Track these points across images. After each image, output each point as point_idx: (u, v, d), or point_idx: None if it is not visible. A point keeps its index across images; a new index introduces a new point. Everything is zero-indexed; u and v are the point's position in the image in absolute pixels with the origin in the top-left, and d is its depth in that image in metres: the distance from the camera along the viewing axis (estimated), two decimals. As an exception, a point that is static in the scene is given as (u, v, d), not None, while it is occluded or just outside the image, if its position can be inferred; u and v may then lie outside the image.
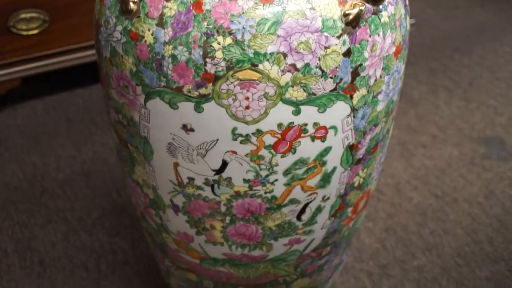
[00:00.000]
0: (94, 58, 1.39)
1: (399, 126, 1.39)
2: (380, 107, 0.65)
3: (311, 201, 0.68)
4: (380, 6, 0.60)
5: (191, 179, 0.65)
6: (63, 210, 1.20)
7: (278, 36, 0.56)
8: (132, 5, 0.59)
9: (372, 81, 0.61)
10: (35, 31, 1.31)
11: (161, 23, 0.57)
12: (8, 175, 1.28)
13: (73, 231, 1.15)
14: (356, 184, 0.70)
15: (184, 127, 0.61)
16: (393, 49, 0.63)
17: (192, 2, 0.56)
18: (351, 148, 0.65)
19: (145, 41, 0.58)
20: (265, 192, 0.65)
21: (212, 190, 0.65)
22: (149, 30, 0.58)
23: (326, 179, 0.66)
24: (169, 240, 0.75)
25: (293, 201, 0.67)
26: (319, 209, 0.69)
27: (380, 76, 0.62)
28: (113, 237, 1.14)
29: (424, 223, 1.16)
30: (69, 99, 1.49)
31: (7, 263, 1.09)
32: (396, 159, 1.30)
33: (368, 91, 0.62)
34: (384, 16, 0.61)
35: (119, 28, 0.60)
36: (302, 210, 0.68)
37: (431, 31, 1.76)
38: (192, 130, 0.60)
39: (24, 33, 1.30)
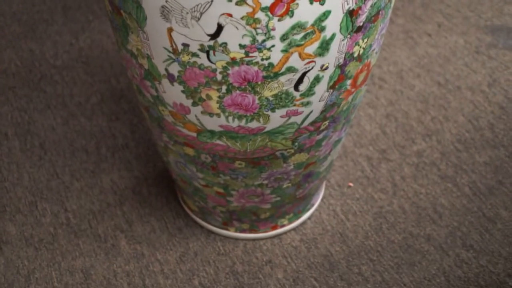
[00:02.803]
0: None
1: (403, 14, 1.35)
2: (382, -31, 0.62)
3: (309, 70, 0.66)
4: None
5: (185, 46, 0.63)
6: (62, 96, 1.19)
7: None
8: None
9: None
10: None
11: None
12: (5, 62, 1.26)
13: (72, 116, 1.15)
14: (355, 55, 0.69)
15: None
16: None
17: None
18: (351, 14, 0.63)
19: None
20: (262, 59, 0.63)
21: (208, 57, 0.64)
22: None
23: (324, 47, 0.64)
24: (166, 113, 0.74)
25: (291, 69, 0.65)
26: (317, 79, 0.68)
27: None
28: (112, 122, 1.14)
29: (425, 110, 1.15)
30: (65, -14, 1.45)
31: (8, 146, 1.10)
32: (399, 47, 1.28)
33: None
34: None
35: None
36: (300, 80, 0.67)
37: None
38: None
39: None
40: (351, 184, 1.04)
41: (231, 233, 0.95)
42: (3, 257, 0.94)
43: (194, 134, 0.75)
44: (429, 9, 1.37)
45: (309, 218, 0.99)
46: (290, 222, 0.96)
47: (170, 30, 0.63)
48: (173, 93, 0.70)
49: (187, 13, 0.60)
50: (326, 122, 0.75)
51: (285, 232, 0.97)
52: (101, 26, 1.34)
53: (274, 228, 0.95)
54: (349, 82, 0.72)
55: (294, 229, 0.97)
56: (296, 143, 0.76)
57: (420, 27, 1.33)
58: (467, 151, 1.08)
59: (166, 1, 0.60)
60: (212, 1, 0.59)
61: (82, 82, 1.21)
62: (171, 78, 0.68)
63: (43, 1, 1.41)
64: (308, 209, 0.97)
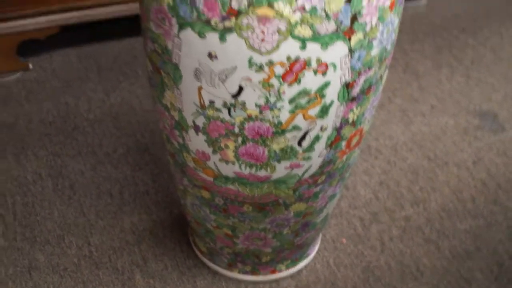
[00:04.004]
0: (126, 13, 1.51)
1: (401, 95, 1.51)
2: (374, 52, 0.77)
3: (310, 130, 0.80)
4: (379, -35, 0.72)
5: (211, 102, 0.78)
6: (92, 145, 1.33)
7: (292, -18, 0.68)
8: (174, -50, 0.71)
9: (368, 28, 0.74)
10: (76, -16, 1.44)
11: (197, -35, 0.70)
12: (43, 112, 1.42)
13: (100, 163, 1.29)
14: (350, 120, 0.83)
15: (209, 54, 0.73)
16: (388, 2, 0.75)
17: (224, -51, 0.69)
18: (347, 86, 0.78)
19: (183, -21, 0.71)
20: (273, 117, 0.78)
21: (229, 113, 0.78)
22: (187, -30, 0.71)
23: (324, 111, 0.79)
24: (189, 159, 0.88)
25: (296, 128, 0.79)
26: (317, 138, 0.82)
27: (376, 24, 0.74)
28: (136, 172, 1.27)
29: (415, 180, 1.28)
30: (101, 49, 1.62)
31: (42, 186, 1.23)
32: (396, 123, 1.42)
33: (364, 36, 0.74)
34: (382, -26, 0.73)
35: (162, -32, 0.73)
36: (303, 137, 0.81)
37: (441, 12, 1.87)
38: (216, 57, 0.73)
39: (66, -16, 1.43)
40: (344, 241, 1.16)
41: (235, 274, 1.07)
42: (32, 281, 1.06)
43: (211, 179, 0.88)
44: (425, 92, 1.53)
45: (305, 267, 1.10)
46: (288, 268, 1.08)
47: (200, 88, 0.77)
48: (197, 142, 0.84)
49: (216, 75, 0.75)
50: (323, 177, 0.89)
51: (282, 278, 1.08)
52: (131, 87, 1.50)
53: (273, 272, 1.07)
54: (344, 143, 0.86)
55: (291, 275, 1.09)
56: (297, 193, 0.89)
57: (415, 107, 1.48)
58: (450, 219, 1.20)
59: (199, 65, 0.75)
60: (236, 67, 0.73)
61: (111, 135, 1.36)
62: (196, 128, 0.82)
63: (80, 61, 1.58)
64: (305, 258, 1.09)
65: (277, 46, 0.71)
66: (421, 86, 1.55)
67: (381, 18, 0.75)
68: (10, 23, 1.44)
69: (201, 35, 0.72)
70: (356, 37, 0.73)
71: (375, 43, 0.76)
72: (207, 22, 0.71)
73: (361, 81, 0.79)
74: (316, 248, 1.12)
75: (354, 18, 0.72)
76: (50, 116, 1.41)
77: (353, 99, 0.80)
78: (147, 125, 1.39)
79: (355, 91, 0.79)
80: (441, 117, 1.45)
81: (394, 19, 0.78)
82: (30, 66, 1.53)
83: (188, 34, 0.73)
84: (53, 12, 1.46)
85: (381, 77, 0.83)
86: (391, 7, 0.76)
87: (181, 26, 0.73)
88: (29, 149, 1.31)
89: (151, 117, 1.40)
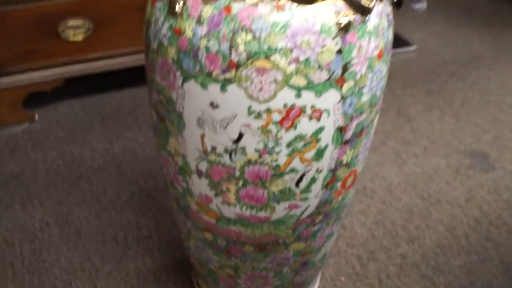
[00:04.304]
0: (128, 65, 1.58)
1: (395, 138, 1.56)
2: (365, 98, 0.83)
3: (307, 172, 0.85)
4: (367, 17, 0.78)
5: (214, 148, 0.83)
6: (96, 193, 1.38)
7: (287, 36, 0.74)
8: (177, 8, 0.77)
9: (358, 76, 0.79)
10: (80, 37, 1.51)
11: (199, 21, 0.76)
12: (49, 162, 1.47)
13: (105, 210, 1.33)
14: (344, 162, 0.88)
15: (211, 104, 0.79)
16: (376, 52, 0.81)
17: (223, 6, 0.75)
18: (340, 130, 0.83)
19: (186, 35, 0.77)
20: (271, 161, 0.83)
21: (230, 157, 0.83)
22: (189, 27, 0.77)
23: (319, 154, 0.84)
24: (192, 202, 0.93)
25: (293, 170, 0.84)
26: (313, 180, 0.87)
27: (365, 73, 0.80)
28: (139, 217, 1.32)
29: (409, 219, 1.33)
30: (104, 100, 1.68)
31: (48, 233, 1.27)
32: (390, 165, 1.48)
33: (355, 84, 0.80)
34: (370, 26, 0.79)
35: (166, 25, 0.79)
36: (300, 179, 0.86)
37: (431, 57, 1.94)
38: (217, 106, 0.79)
39: (71, 38, 1.50)
40: (343, 279, 1.20)
41: (238, 314, 1.10)
42: (40, 325, 1.09)
43: (214, 221, 0.93)
44: (417, 134, 1.58)
45: (305, 305, 1.14)
46: (289, 307, 1.11)
47: (203, 135, 0.83)
48: (200, 186, 0.89)
49: (217, 123, 0.80)
50: (320, 217, 0.93)
51: (284, 317, 1.12)
52: (133, 135, 1.55)
53: (275, 311, 1.10)
54: (339, 184, 0.90)
55: (292, 314, 1.12)
56: (296, 232, 0.94)
57: (408, 149, 1.53)
58: (444, 255, 1.24)
59: (202, 114, 0.80)
60: (236, 115, 0.79)
61: (114, 182, 1.41)
62: (199, 173, 0.87)
63: (84, 111, 1.64)
64: (305, 297, 1.13)
65: (274, 95, 0.77)
66: (413, 128, 1.61)
67: (370, 67, 0.80)
68: (17, 76, 1.50)
69: (203, 86, 0.78)
70: (347, 85, 0.79)
71: (365, 90, 0.82)
72: (209, 74, 0.77)
73: (353, 125, 0.84)
74: (315, 286, 1.16)
75: (345, 68, 0.77)
76: (55, 166, 1.45)
77: (346, 142, 0.85)
78: (149, 172, 1.43)
79: (348, 134, 0.84)
80: (433, 158, 1.50)
81: (382, 68, 0.84)
82: (36, 117, 1.59)
83: (191, 86, 0.79)
84: (59, 65, 1.53)
85: (372, 121, 0.88)
86: (379, 56, 0.81)
87: (185, 78, 0.79)
88: (36, 198, 1.36)
89: (153, 163, 1.45)
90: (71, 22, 1.48)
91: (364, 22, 0.78)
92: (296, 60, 0.75)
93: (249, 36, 0.74)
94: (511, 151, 1.53)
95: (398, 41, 1.96)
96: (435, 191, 1.40)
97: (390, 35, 0.84)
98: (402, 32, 2.07)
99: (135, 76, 1.68)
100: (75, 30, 1.48)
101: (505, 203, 1.37)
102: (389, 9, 0.85)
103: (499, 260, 1.23)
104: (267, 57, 0.74)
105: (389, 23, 0.84)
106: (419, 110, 1.68)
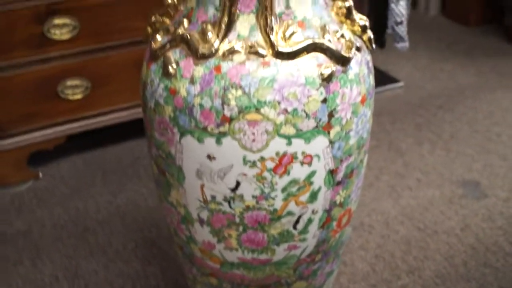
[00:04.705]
0: (127, 119, 1.64)
1: (388, 172, 1.61)
2: (352, 141, 0.88)
3: (303, 214, 0.90)
4: (347, 67, 0.84)
5: (213, 197, 0.88)
6: (102, 245, 1.42)
7: (274, 89, 0.80)
8: (171, 70, 0.83)
9: (344, 121, 0.85)
10: (79, 96, 1.57)
11: (192, 81, 0.82)
12: (55, 217, 1.51)
13: (112, 261, 1.37)
14: (338, 202, 0.93)
15: (208, 156, 0.84)
16: (359, 98, 0.86)
17: (213, 66, 0.81)
18: (331, 172, 0.88)
19: (181, 94, 0.83)
20: (268, 206, 0.87)
21: (229, 205, 0.88)
22: (183, 86, 0.82)
23: (313, 196, 0.89)
24: (196, 249, 0.97)
25: (290, 213, 0.89)
26: (310, 221, 0.91)
27: (350, 118, 0.85)
28: (146, 266, 1.36)
29: (408, 250, 1.37)
30: (105, 154, 1.73)
31: (58, 287, 1.31)
32: (386, 199, 1.52)
33: (341, 129, 0.85)
34: (351, 74, 0.84)
35: (162, 86, 0.85)
36: (297, 221, 0.90)
37: (418, 92, 2.00)
38: (214, 158, 0.84)
39: (70, 97, 1.56)
40: (347, 314, 1.23)
41: None
42: None
43: (218, 266, 0.97)
44: (409, 168, 1.63)
45: None
46: None
47: (202, 186, 0.88)
48: (203, 233, 0.93)
49: (215, 174, 0.85)
50: (320, 255, 0.98)
51: None
52: (135, 187, 1.60)
53: None
54: (335, 223, 0.95)
55: None
56: (297, 272, 0.98)
57: (402, 182, 1.58)
58: (444, 284, 1.28)
59: (200, 166, 0.86)
60: (232, 165, 0.84)
61: (119, 233, 1.45)
62: (201, 221, 0.92)
63: (86, 166, 1.69)
64: (311, 334, 1.16)
65: (267, 144, 0.82)
66: (406, 162, 1.66)
67: (354, 112, 0.86)
68: (19, 137, 1.56)
69: (200, 140, 0.83)
70: (334, 131, 0.84)
71: (351, 133, 0.87)
72: (204, 129, 0.82)
73: (343, 167, 0.89)
74: (321, 323, 1.19)
75: (330, 115, 0.83)
76: (61, 221, 1.50)
77: (338, 183, 0.90)
78: (152, 221, 1.48)
79: (339, 176, 0.89)
80: (427, 190, 1.55)
81: (366, 111, 0.89)
82: (40, 175, 1.64)
83: (189, 140, 0.84)
84: (59, 124, 1.59)
85: (361, 161, 0.94)
86: (362, 101, 0.87)
87: (182, 134, 0.84)
88: (44, 253, 1.40)
89: (156, 213, 1.50)
90: (70, 82, 1.54)
91: (345, 71, 0.84)
92: (285, 111, 0.80)
93: (239, 92, 0.80)
94: (501, 178, 1.58)
95: (386, 79, 2.03)
96: (431, 221, 1.45)
97: (371, 81, 0.90)
98: (389, 69, 2.14)
99: (132, 129, 1.73)
100: (74, 89, 1.55)
101: (500, 230, 1.42)
102: (368, 57, 0.90)
103: (498, 286, 1.27)
104: (257, 110, 0.80)
105: (369, 70, 0.90)
106: (410, 144, 1.74)
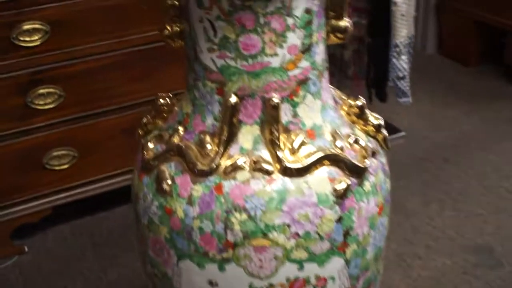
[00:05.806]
0: (116, 186, 1.54)
1: (395, 238, 1.52)
2: (370, 256, 0.79)
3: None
4: (363, 177, 0.75)
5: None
6: (94, 331, 1.32)
7: (283, 211, 0.70)
8: (166, 186, 0.74)
9: (361, 238, 0.76)
10: (65, 166, 1.47)
11: (190, 201, 0.72)
12: (42, 299, 1.41)
13: None
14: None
15: (210, 282, 0.74)
16: (376, 209, 0.77)
17: (214, 185, 0.72)
18: (347, 291, 0.79)
19: (177, 215, 0.73)
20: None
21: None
22: (180, 207, 0.73)
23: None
24: None
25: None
26: None
27: (367, 233, 0.76)
28: None
29: (422, 332, 1.28)
30: (94, 222, 1.63)
31: None
32: (394, 270, 1.43)
33: (358, 246, 0.76)
34: (367, 185, 0.75)
35: (156, 203, 0.75)
36: None
37: (421, 142, 1.92)
38: (216, 285, 0.74)
39: (56, 168, 1.46)
40: None
41: None
42: None
43: None
44: (418, 232, 1.54)
45: None
46: None
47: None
48: None
49: None
50: None
51: None
52: (126, 260, 1.50)
53: None
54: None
55: None
56: None
57: (411, 250, 1.49)
58: None
59: None
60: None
61: (111, 316, 1.35)
62: None
63: (74, 237, 1.59)
64: None
65: (276, 271, 0.73)
66: (413, 225, 1.57)
67: (371, 226, 0.77)
68: (3, 211, 1.46)
69: (200, 266, 0.74)
70: (351, 249, 0.75)
71: (369, 248, 0.78)
72: (205, 254, 0.73)
73: (360, 283, 0.80)
74: None
75: (346, 233, 0.74)
76: (49, 303, 1.40)
77: (355, 299, 0.81)
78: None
79: (356, 292, 0.80)
80: (438, 258, 1.46)
81: (383, 220, 0.80)
82: (26, 249, 1.54)
83: (188, 264, 0.75)
84: (46, 196, 1.49)
85: (378, 271, 0.84)
86: (380, 211, 0.78)
87: (180, 257, 0.75)
88: None
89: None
90: (56, 153, 1.45)
91: (360, 183, 0.75)
92: (296, 234, 0.71)
93: (244, 216, 0.71)
94: (515, 241, 1.50)
95: (387, 129, 1.94)
96: (444, 296, 1.36)
97: (388, 186, 0.81)
98: (389, 117, 2.05)
99: (122, 195, 1.63)
100: (60, 159, 1.45)
101: (517, 302, 1.33)
102: (383, 159, 0.82)
103: None
104: (264, 235, 0.71)
105: (386, 174, 0.81)
106: (416, 203, 1.65)
